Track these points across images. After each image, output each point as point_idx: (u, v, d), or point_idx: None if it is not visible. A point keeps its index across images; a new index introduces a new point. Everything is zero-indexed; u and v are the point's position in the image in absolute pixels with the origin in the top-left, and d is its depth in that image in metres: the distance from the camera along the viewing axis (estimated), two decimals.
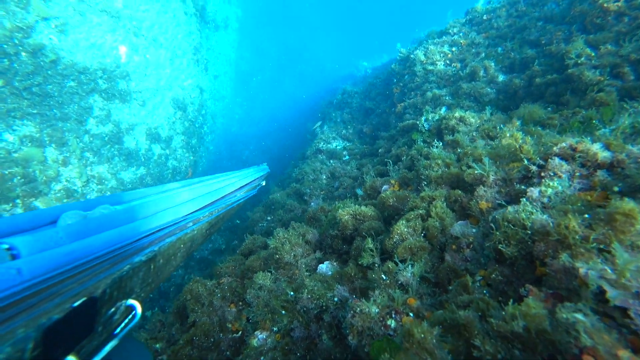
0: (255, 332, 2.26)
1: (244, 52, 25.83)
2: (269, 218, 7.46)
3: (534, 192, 1.97)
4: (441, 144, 3.88)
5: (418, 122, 5.87)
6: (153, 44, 12.00)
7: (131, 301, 1.63)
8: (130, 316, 1.61)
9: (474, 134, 4.86)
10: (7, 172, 8.14)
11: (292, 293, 2.25)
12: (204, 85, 15.63)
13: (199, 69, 14.91)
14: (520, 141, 2.28)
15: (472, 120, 5.15)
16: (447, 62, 8.18)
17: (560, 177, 1.97)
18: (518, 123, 3.61)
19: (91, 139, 9.91)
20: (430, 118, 5.86)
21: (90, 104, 10.22)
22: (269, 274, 2.56)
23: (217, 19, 17.34)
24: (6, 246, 1.24)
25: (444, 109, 6.29)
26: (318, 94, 23.78)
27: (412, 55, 9.07)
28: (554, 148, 2.08)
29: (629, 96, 4.41)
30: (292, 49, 32.47)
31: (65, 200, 8.58)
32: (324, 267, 2.60)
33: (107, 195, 2.13)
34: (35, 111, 8.83)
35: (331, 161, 8.26)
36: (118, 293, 1.57)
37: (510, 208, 1.88)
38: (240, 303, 2.73)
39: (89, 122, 10.04)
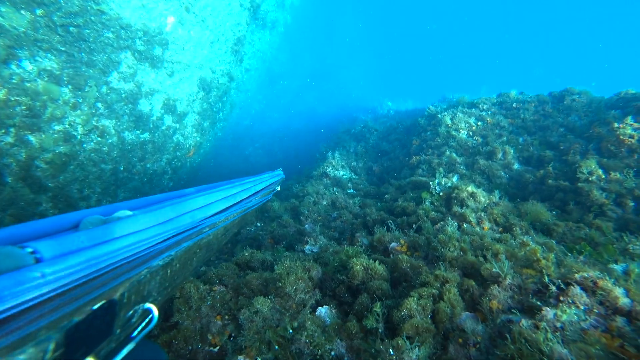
0: (239, 357, 2.20)
1: (280, 55, 26.21)
2: (259, 224, 7.39)
3: (549, 312, 2.02)
4: (456, 224, 3.94)
5: (430, 183, 5.98)
6: (201, 23, 12.14)
7: (148, 305, 1.66)
8: (148, 319, 1.64)
9: (481, 214, 4.97)
10: (12, 99, 7.92)
11: (291, 331, 2.21)
12: (235, 74, 15.75)
13: (234, 59, 15.07)
14: (540, 255, 2.35)
15: (483, 199, 5.28)
16: (470, 133, 8.44)
17: (578, 307, 2.03)
18: (528, 225, 3.70)
19: (109, 91, 9.78)
20: (443, 183, 5.99)
21: (120, 59, 10.16)
22: (268, 301, 2.52)
23: (266, 18, 17.70)
24: (30, 250, 1.25)
25: (456, 177, 6.43)
26: (337, 117, 24.10)
27: (439, 116, 9.34)
28: (576, 275, 2.16)
29: (627, 228, 4.60)
30: (324, 66, 33.12)
31: (60, 144, 8.36)
32: (323, 312, 2.57)
33: (125, 201, 2.13)
34: (63, 49, 8.70)
35: (335, 189, 8.30)
36: (136, 297, 1.59)
37: (524, 322, 1.92)
38: (227, 317, 2.67)
39: (112, 75, 9.94)
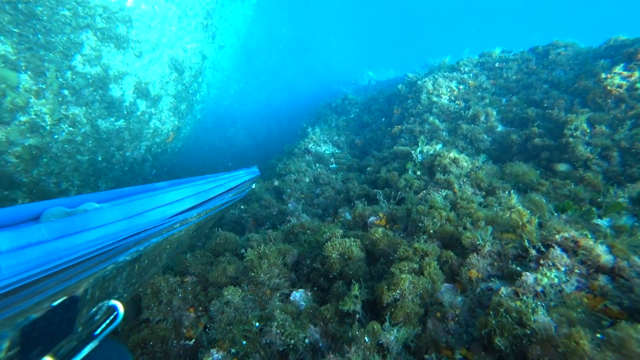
0: (211, 350, 2.04)
1: (255, 29, 24.97)
2: (242, 207, 7.18)
3: (529, 277, 1.90)
4: (442, 192, 3.76)
5: (412, 152, 5.79)
6: None
7: (113, 302, 1.56)
8: (112, 317, 1.55)
9: (464, 179, 4.84)
10: None
11: (257, 324, 2.04)
12: (208, 52, 14.91)
13: (206, 35, 14.20)
14: (526, 220, 2.22)
15: (465, 164, 5.13)
16: (452, 98, 8.20)
17: (558, 269, 1.91)
18: (514, 194, 3.57)
19: (74, 76, 9.10)
20: (425, 151, 5.81)
21: (82, 40, 9.39)
22: (239, 290, 2.35)
23: None
24: None
25: (440, 145, 6.26)
26: (318, 92, 23.44)
27: (419, 82, 9.03)
28: (556, 236, 2.03)
29: (613, 180, 4.54)
30: (303, 39, 31.82)
31: (28, 135, 7.81)
32: (298, 296, 2.42)
33: (92, 193, 2.03)
34: (16, 30, 7.94)
35: (317, 165, 8.07)
36: (100, 293, 1.49)
37: (503, 289, 1.80)
38: (201, 309, 2.50)
39: (76, 59, 9.21)
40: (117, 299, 1.61)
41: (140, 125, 12.24)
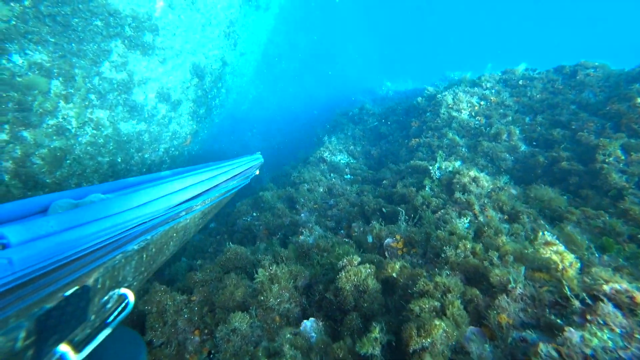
0: None
1: (275, 37, 25.24)
2: (255, 214, 7.07)
3: (574, 335, 1.65)
4: (467, 219, 3.49)
5: (430, 168, 5.56)
6: (191, 6, 11.45)
7: (123, 290, 1.59)
8: (123, 305, 1.58)
9: (485, 200, 4.59)
10: (4, 95, 7.50)
11: None
12: (229, 59, 15.09)
13: (227, 43, 14.38)
14: (568, 263, 1.98)
15: (486, 184, 4.88)
16: (473, 113, 7.93)
17: (612, 330, 1.65)
18: (544, 223, 3.29)
19: (101, 82, 9.30)
20: (443, 167, 5.57)
21: (111, 48, 9.62)
22: (247, 317, 2.20)
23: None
24: None
25: (459, 162, 6.01)
26: (335, 100, 23.39)
27: (439, 96, 8.79)
28: (604, 287, 1.78)
29: None
30: (321, 47, 31.96)
31: (54, 137, 7.98)
32: (309, 326, 2.24)
33: (98, 184, 2.05)
34: (53, 40, 8.19)
35: (332, 175, 7.92)
36: (110, 282, 1.51)
37: (542, 346, 1.55)
38: (206, 331, 2.36)
39: (104, 65, 9.43)
40: (127, 287, 1.63)
41: (160, 128, 12.42)
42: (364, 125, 10.93)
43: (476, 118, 7.72)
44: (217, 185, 2.60)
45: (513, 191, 4.66)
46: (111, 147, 10.49)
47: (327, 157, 9.00)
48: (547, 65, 8.60)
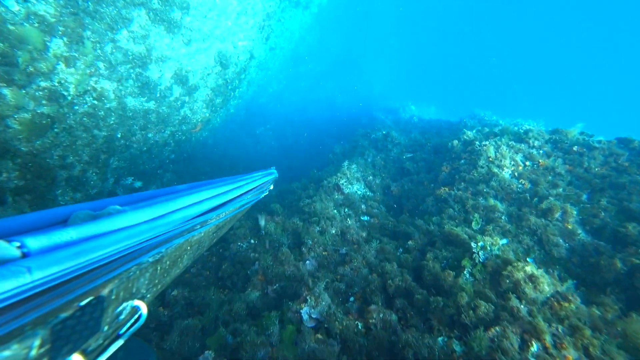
0: None
1: (308, 37, 24.16)
2: (252, 241, 6.01)
3: None
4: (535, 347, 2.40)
5: (473, 245, 4.48)
6: None
7: (137, 302, 1.56)
8: (136, 317, 1.54)
9: (547, 312, 3.51)
10: None
11: None
12: (257, 53, 14.00)
13: (260, 36, 13.30)
14: None
15: (547, 288, 3.80)
16: (516, 174, 6.85)
17: None
18: None
19: (114, 51, 8.22)
20: (488, 247, 4.49)
21: (132, 17, 8.53)
22: None
23: None
24: (17, 244, 1.14)
25: (505, 240, 4.93)
26: (355, 113, 22.34)
27: (477, 144, 7.71)
28: None
29: None
30: (351, 54, 30.86)
31: (44, 102, 6.89)
32: None
33: (116, 197, 1.87)
34: None
35: (346, 210, 6.84)
36: (125, 293, 1.48)
37: None
38: None
39: (121, 33, 8.35)
40: (140, 299, 1.58)
41: (170, 110, 11.32)
42: (386, 154, 9.85)
43: (520, 181, 6.65)
44: (232, 200, 2.57)
45: (583, 308, 3.58)
46: (112, 122, 9.41)
47: (342, 184, 7.93)
48: (600, 132, 7.52)
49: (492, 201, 6.00)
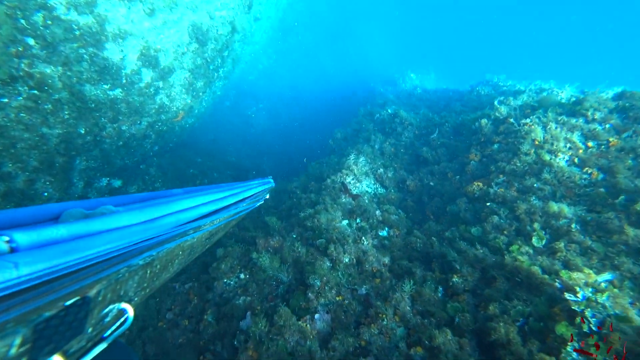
0: None
1: (296, 3, 21.28)
2: (242, 276, 4.43)
3: None
4: None
5: (571, 299, 2.86)
6: None
7: (123, 305, 1.49)
8: (122, 320, 1.48)
9: None
10: None
11: None
12: (240, 24, 11.65)
13: (240, 3, 10.91)
14: None
15: None
16: (576, 160, 5.14)
17: None
18: None
19: (48, 23, 6.17)
20: (591, 296, 2.89)
21: None
22: None
23: None
24: (6, 238, 1.08)
25: (608, 275, 3.32)
26: (352, 84, 20.10)
27: (515, 123, 5.94)
28: None
29: None
30: (343, 21, 27.80)
31: None
32: None
33: (110, 197, 1.79)
34: None
35: (358, 221, 5.21)
36: (112, 295, 1.42)
37: None
38: None
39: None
40: (127, 302, 1.51)
41: (143, 99, 9.30)
42: (396, 138, 8.05)
43: (583, 170, 4.96)
44: (227, 207, 2.43)
45: None
46: (66, 116, 7.49)
47: (350, 183, 6.23)
48: None
49: (554, 206, 4.32)
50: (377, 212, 5.54)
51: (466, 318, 3.10)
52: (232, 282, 4.36)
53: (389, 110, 9.44)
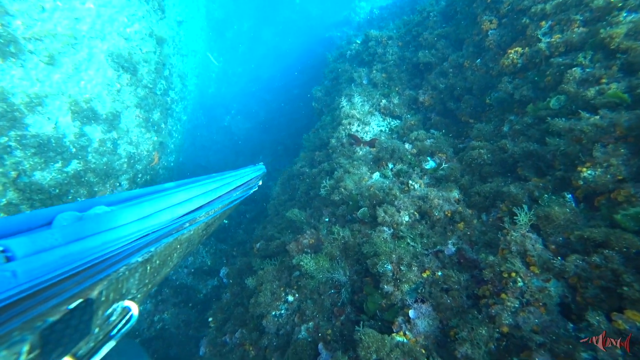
0: None
1: None
2: (290, 299, 3.26)
3: None
4: None
5: None
6: None
7: (127, 303, 1.45)
8: (127, 317, 1.43)
9: None
10: None
11: None
12: (163, 33, 9.95)
13: (149, 9, 9.19)
14: None
15: None
16: None
17: None
18: None
19: None
20: None
21: None
22: None
23: None
24: (1, 248, 1.04)
25: None
26: (307, 47, 18.14)
27: None
28: None
29: None
30: None
31: None
32: None
33: (103, 196, 1.81)
34: None
35: (391, 165, 3.89)
36: (114, 294, 1.37)
37: None
38: None
39: None
40: (131, 299, 1.46)
41: (107, 158, 7.99)
42: (381, 62, 6.48)
43: None
44: (220, 197, 2.35)
45: None
46: (25, 207, 6.39)
47: (357, 130, 4.86)
48: None
49: None
50: (407, 145, 4.19)
51: None
52: (282, 312, 3.20)
53: (358, 41, 7.82)
